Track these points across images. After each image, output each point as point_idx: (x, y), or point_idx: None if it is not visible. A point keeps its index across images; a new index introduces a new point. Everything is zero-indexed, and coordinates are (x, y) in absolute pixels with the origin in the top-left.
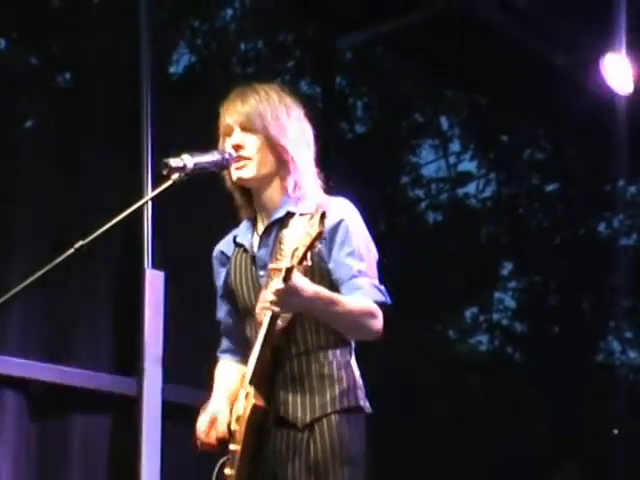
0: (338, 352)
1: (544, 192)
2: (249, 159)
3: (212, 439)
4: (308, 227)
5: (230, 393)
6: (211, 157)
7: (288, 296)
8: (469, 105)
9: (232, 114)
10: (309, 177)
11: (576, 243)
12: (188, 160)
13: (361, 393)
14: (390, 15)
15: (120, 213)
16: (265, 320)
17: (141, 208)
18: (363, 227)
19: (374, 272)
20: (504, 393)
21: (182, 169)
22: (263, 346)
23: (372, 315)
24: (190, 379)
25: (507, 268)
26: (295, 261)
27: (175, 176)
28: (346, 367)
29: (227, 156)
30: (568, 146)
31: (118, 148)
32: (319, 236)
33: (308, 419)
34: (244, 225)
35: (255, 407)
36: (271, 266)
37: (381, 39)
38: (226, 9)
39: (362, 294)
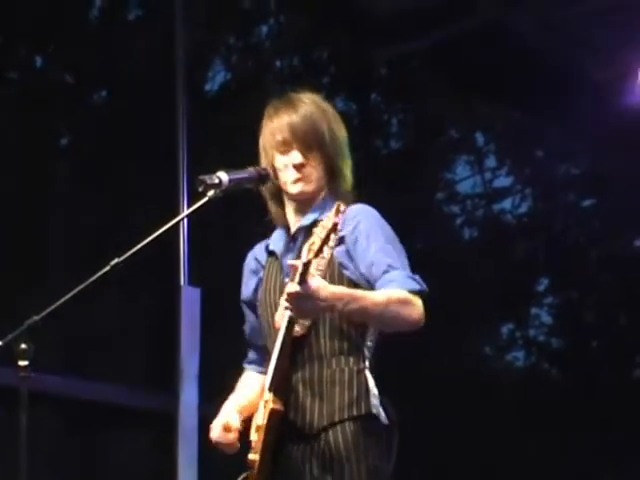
0: (352, 359)
1: (580, 207)
2: (309, 176)
3: (228, 438)
4: (325, 221)
5: (242, 403)
6: (247, 174)
7: (303, 300)
8: (505, 121)
9: (287, 130)
10: (347, 186)
11: (613, 258)
12: (224, 177)
13: (375, 401)
14: (425, 31)
15: (156, 230)
16: (282, 326)
17: (177, 225)
18: (385, 225)
19: (405, 263)
20: (540, 409)
21: (218, 186)
22: (281, 352)
23: (406, 303)
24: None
25: (543, 284)
26: (311, 255)
27: (211, 193)
28: (359, 375)
29: (263, 172)
30: (604, 161)
31: (153, 165)
32: (334, 228)
33: (316, 426)
34: (277, 233)
35: (273, 411)
36: (289, 262)
37: (416, 55)
38: (261, 26)
39: (396, 286)
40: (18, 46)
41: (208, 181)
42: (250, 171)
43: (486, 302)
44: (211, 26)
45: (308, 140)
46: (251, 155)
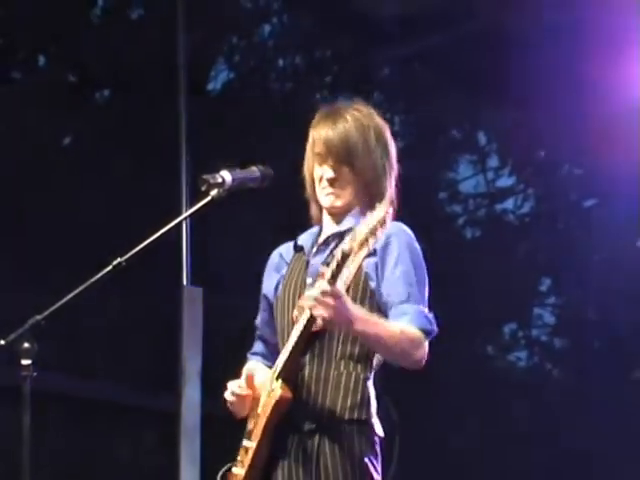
0: (359, 366)
1: (582, 208)
2: (342, 190)
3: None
4: (376, 212)
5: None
6: (250, 173)
7: (332, 299)
8: (507, 120)
9: (322, 145)
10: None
11: (615, 258)
12: (227, 176)
13: (373, 411)
14: (427, 31)
15: (158, 230)
16: (301, 321)
17: (179, 225)
18: (417, 251)
19: (424, 298)
20: (543, 409)
21: (221, 185)
22: (295, 346)
23: (414, 343)
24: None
25: (546, 284)
26: (356, 245)
27: (214, 192)
28: (363, 383)
29: (266, 172)
30: (605, 161)
31: (155, 164)
32: (384, 221)
33: (314, 423)
34: (309, 232)
35: (282, 398)
36: (321, 269)
37: (418, 54)
38: (264, 25)
39: (409, 321)
40: (21, 45)
41: (211, 180)
42: (253, 170)
43: (489, 302)
44: (214, 25)
45: (340, 157)
46: (254, 154)
